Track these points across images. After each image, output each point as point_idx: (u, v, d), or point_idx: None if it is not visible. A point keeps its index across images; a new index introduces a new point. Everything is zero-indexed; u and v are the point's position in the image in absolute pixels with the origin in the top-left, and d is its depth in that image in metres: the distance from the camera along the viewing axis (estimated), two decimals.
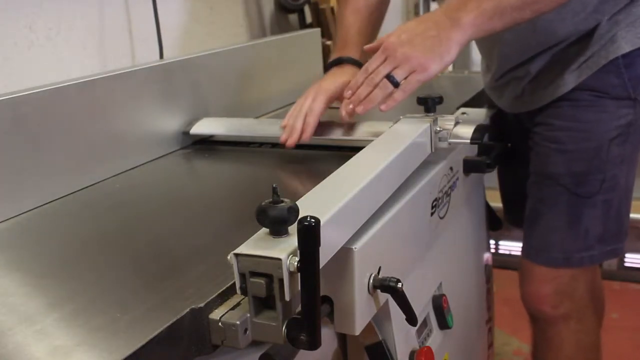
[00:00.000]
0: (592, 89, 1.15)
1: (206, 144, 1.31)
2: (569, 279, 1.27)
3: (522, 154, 1.30)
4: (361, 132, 1.20)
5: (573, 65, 1.16)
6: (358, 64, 1.22)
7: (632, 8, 1.12)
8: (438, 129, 1.05)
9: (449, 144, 1.06)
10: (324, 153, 1.21)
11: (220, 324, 0.64)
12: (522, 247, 1.30)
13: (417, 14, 2.54)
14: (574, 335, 1.30)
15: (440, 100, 1.11)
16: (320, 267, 0.61)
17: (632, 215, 1.35)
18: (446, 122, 1.06)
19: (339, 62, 1.24)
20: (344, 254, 0.74)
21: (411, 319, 0.83)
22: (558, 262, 1.25)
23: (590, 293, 1.32)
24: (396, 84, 1.03)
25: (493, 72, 1.30)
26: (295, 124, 1.15)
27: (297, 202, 0.65)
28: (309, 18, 2.13)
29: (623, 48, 1.11)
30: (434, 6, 2.56)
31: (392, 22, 2.57)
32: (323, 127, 1.21)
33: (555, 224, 1.24)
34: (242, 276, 0.63)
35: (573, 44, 1.16)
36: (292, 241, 0.62)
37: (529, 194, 1.28)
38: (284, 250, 0.61)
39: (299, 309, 0.63)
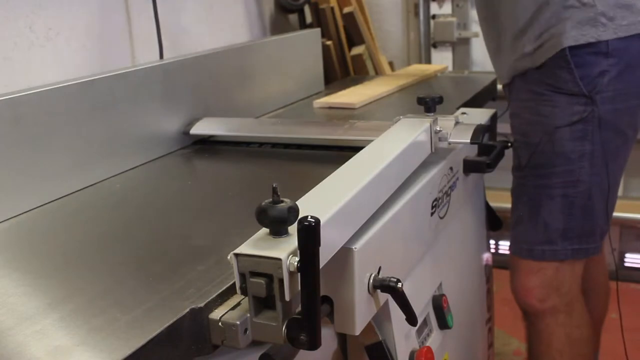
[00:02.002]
0: (549, 84, 1.20)
1: (206, 144, 1.31)
2: (553, 272, 1.30)
3: None
4: (361, 132, 1.20)
5: (527, 49, 1.22)
6: None
7: (580, 14, 1.15)
8: (438, 129, 1.05)
9: (449, 144, 1.06)
10: (324, 153, 1.21)
11: (220, 324, 0.64)
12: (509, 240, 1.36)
13: (417, 14, 2.53)
14: (563, 329, 1.32)
15: (440, 100, 1.11)
16: (320, 267, 0.61)
17: (631, 215, 1.35)
18: (446, 122, 1.06)
19: None
20: (344, 254, 0.74)
21: (411, 319, 0.83)
22: (523, 253, 1.30)
23: (581, 287, 1.34)
24: None
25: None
26: None
27: (297, 202, 0.65)
28: (309, 18, 2.13)
29: (563, 43, 1.15)
30: (434, 6, 2.56)
31: (393, 21, 2.57)
32: (323, 127, 1.21)
33: (520, 216, 1.30)
34: (242, 276, 0.63)
35: (527, 30, 1.22)
36: (292, 241, 0.62)
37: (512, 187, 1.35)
38: (284, 250, 0.61)
39: (299, 309, 0.63)
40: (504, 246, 2.53)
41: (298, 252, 0.60)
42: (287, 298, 0.62)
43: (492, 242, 2.04)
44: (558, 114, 1.20)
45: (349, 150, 1.11)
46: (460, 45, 2.60)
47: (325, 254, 0.66)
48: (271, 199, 0.63)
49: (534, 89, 1.23)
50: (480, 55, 2.58)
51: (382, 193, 0.85)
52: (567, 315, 1.32)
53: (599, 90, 1.17)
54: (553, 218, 1.25)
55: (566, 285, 1.31)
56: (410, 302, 0.81)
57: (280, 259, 0.60)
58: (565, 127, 1.20)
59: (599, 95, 1.17)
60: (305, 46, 1.78)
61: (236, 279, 0.63)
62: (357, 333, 0.79)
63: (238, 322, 0.64)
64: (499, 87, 1.72)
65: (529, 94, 1.25)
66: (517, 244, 1.32)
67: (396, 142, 0.94)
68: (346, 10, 2.11)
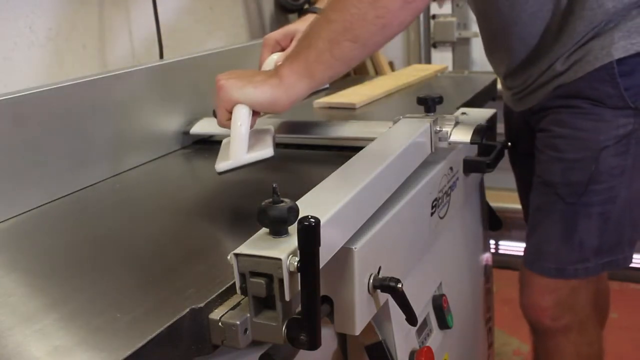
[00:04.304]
0: (588, 97, 1.13)
1: (206, 144, 1.31)
2: (569, 291, 1.25)
3: (530, 158, 1.28)
4: (361, 132, 1.20)
5: (559, 68, 1.15)
6: None
7: (628, 21, 1.10)
8: (438, 129, 1.05)
9: (449, 144, 1.06)
10: (324, 153, 1.21)
11: (220, 324, 0.64)
12: (523, 254, 1.29)
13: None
14: (574, 347, 1.28)
15: (440, 100, 1.11)
16: (320, 267, 0.61)
17: None
18: (446, 122, 1.06)
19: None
20: (344, 254, 0.74)
21: (411, 319, 0.83)
22: (551, 272, 1.23)
23: (592, 303, 1.30)
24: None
25: (505, 66, 1.29)
26: None
27: (297, 202, 0.65)
28: None
29: (613, 55, 1.09)
30: (434, 6, 2.56)
31: None
32: (323, 127, 1.21)
33: (549, 234, 1.22)
34: (242, 276, 0.63)
35: (551, 50, 1.16)
36: (292, 241, 0.62)
37: (530, 200, 1.27)
38: (284, 250, 0.61)
39: (299, 309, 0.63)
40: (504, 246, 2.53)
41: (298, 252, 0.60)
42: (287, 298, 0.62)
43: (492, 242, 2.04)
44: (602, 128, 1.13)
45: (349, 150, 1.11)
46: (460, 45, 2.60)
47: (325, 254, 0.66)
48: (271, 199, 0.63)
49: (564, 102, 1.16)
50: (480, 55, 2.58)
51: (382, 193, 0.85)
52: (579, 333, 1.28)
53: None
54: (589, 236, 1.19)
55: (581, 303, 1.27)
56: (410, 302, 0.81)
57: (280, 259, 0.60)
58: (610, 142, 1.12)
59: None
60: None
61: (236, 279, 0.63)
62: (357, 333, 0.79)
63: (238, 322, 0.64)
64: (499, 87, 1.72)
65: (557, 107, 1.18)
66: (541, 263, 1.24)
67: (396, 142, 0.94)
68: None
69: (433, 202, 1.02)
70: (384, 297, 0.84)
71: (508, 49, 1.24)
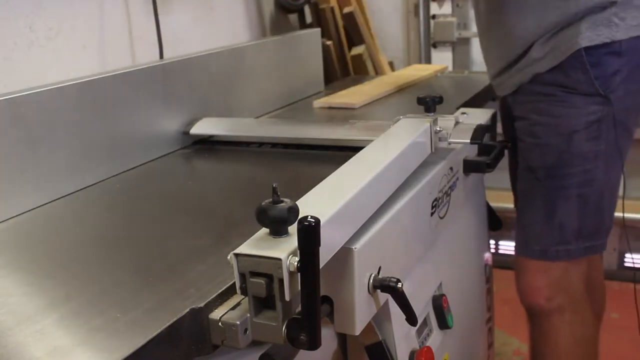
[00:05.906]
0: (563, 85, 1.20)
1: (206, 144, 1.32)
2: (561, 272, 1.30)
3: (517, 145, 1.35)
4: (361, 132, 1.20)
5: (537, 55, 1.21)
6: None
7: (595, 15, 1.16)
8: (438, 129, 1.05)
9: (449, 144, 1.06)
10: (324, 153, 1.21)
11: (220, 324, 0.64)
12: (515, 241, 1.35)
13: (417, 14, 2.53)
14: (569, 327, 1.33)
15: (440, 100, 1.11)
16: (320, 267, 0.61)
17: (631, 215, 1.35)
18: (446, 122, 1.06)
19: None
20: (344, 254, 0.74)
21: (411, 319, 0.83)
22: (535, 254, 1.30)
23: (585, 286, 1.34)
24: None
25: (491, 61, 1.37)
26: None
27: (297, 202, 0.65)
28: (309, 18, 2.13)
29: (580, 44, 1.15)
30: (433, 6, 2.56)
31: (393, 21, 2.57)
32: (323, 127, 1.21)
33: (533, 217, 1.29)
34: (242, 276, 0.63)
35: (536, 38, 1.22)
36: (292, 241, 0.62)
37: (517, 187, 1.34)
38: (284, 250, 0.61)
39: (299, 309, 0.63)
40: (504, 246, 2.53)
41: (298, 252, 0.60)
42: (287, 298, 0.62)
43: (492, 242, 2.04)
44: (573, 114, 1.20)
45: (349, 150, 1.11)
46: (460, 45, 2.60)
47: (325, 254, 0.66)
48: (271, 199, 0.63)
49: (542, 90, 1.23)
50: (480, 55, 2.58)
51: (382, 193, 0.85)
52: (573, 313, 1.32)
53: (613, 90, 1.17)
54: (569, 218, 1.25)
55: (573, 284, 1.32)
56: (410, 302, 0.81)
57: (280, 259, 0.60)
58: (581, 127, 1.19)
59: (613, 95, 1.18)
60: (305, 46, 1.78)
61: (236, 279, 0.63)
62: (357, 333, 0.79)
63: (238, 322, 0.64)
64: None
65: (536, 96, 1.24)
66: (528, 245, 1.31)
67: (396, 142, 0.94)
68: (346, 10, 2.11)
69: (433, 202, 1.02)
70: (384, 297, 0.84)
71: (487, 26, 1.31)
